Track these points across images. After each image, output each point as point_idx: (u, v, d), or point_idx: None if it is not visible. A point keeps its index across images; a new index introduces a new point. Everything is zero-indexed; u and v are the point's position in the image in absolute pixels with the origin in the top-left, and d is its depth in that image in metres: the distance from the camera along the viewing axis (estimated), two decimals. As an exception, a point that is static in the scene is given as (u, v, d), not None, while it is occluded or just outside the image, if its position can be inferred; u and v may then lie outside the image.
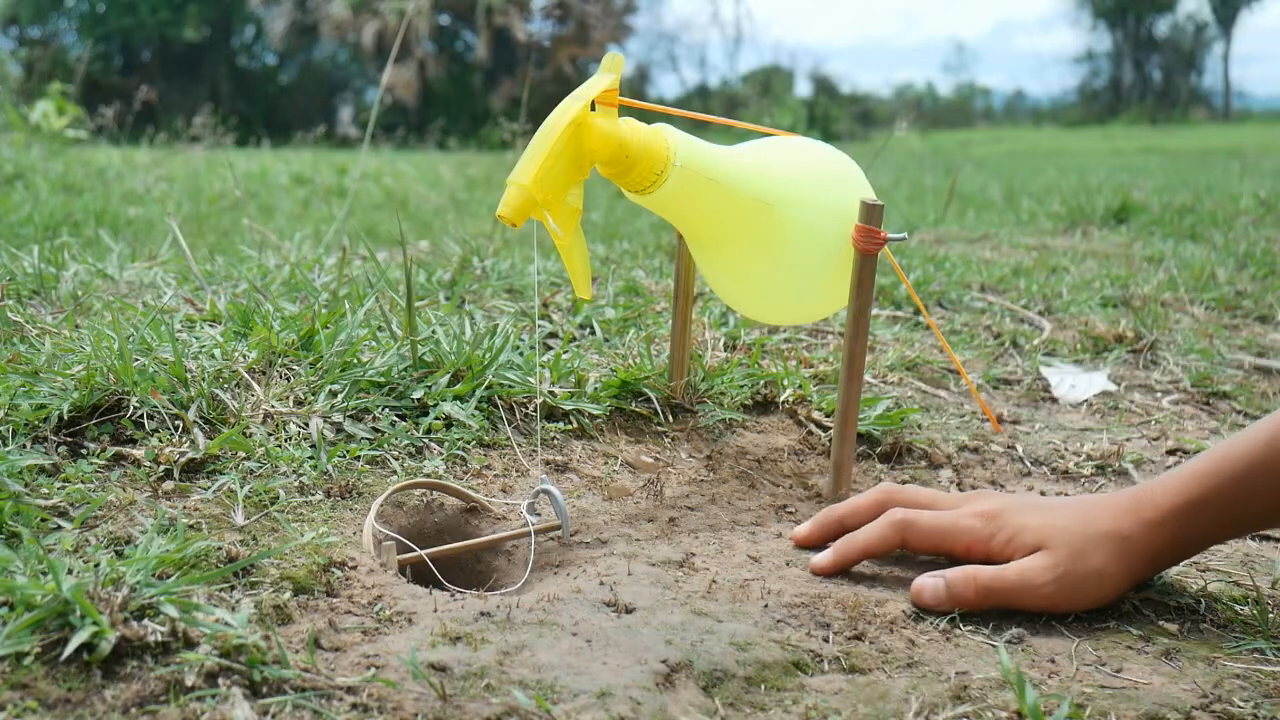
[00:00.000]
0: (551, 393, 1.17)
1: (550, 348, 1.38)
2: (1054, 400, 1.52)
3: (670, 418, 1.22)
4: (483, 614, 0.78)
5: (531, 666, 0.71)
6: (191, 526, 0.86)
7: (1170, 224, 3.44)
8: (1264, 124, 26.32)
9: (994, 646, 0.80)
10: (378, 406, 1.09)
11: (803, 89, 31.93)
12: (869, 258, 1.03)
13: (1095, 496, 0.90)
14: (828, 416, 1.27)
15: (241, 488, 0.92)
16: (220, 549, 0.81)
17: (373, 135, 7.36)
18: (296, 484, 0.96)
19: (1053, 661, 0.79)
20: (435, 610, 0.79)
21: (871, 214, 1.02)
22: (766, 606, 0.84)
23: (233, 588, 0.77)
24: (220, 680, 0.65)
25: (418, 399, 1.12)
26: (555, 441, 1.13)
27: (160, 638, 0.66)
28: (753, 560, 0.94)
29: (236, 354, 1.15)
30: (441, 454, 1.06)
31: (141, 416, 1.00)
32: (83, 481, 0.89)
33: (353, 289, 1.50)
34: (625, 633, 0.77)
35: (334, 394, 1.10)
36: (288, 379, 1.13)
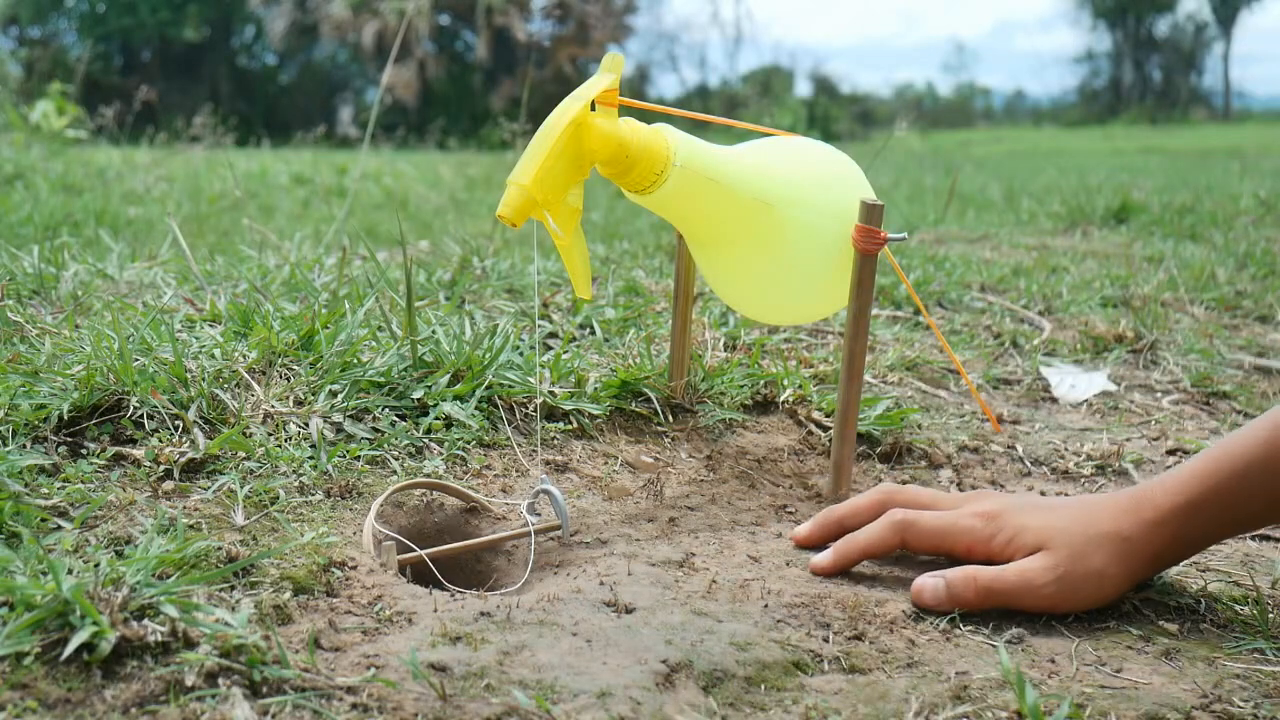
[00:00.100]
0: (551, 393, 1.17)
1: (550, 348, 1.38)
2: (1054, 400, 1.52)
3: (670, 418, 1.22)
4: (483, 614, 0.78)
5: (531, 666, 0.71)
6: (191, 526, 0.86)
7: (1170, 224, 3.44)
8: (1264, 124, 26.32)
9: (994, 646, 0.80)
10: (378, 406, 1.09)
11: (803, 89, 31.95)
12: (869, 258, 1.03)
13: (1095, 497, 0.90)
14: (828, 416, 1.27)
15: (241, 488, 0.92)
16: (220, 549, 0.81)
17: (373, 135, 7.36)
18: (296, 484, 0.96)
19: (1053, 661, 0.79)
20: (435, 610, 0.79)
21: (871, 214, 1.02)
22: (766, 606, 0.84)
23: (233, 588, 0.77)
24: (220, 680, 0.65)
25: (418, 399, 1.12)
26: (555, 441, 1.13)
27: (160, 638, 0.66)
28: (753, 560, 0.94)
29: (236, 354, 1.15)
30: (441, 454, 1.06)
31: (141, 416, 1.00)
32: (83, 481, 0.89)
33: (353, 289, 1.50)
34: (625, 633, 0.77)
35: (334, 394, 1.10)
36: (288, 379, 1.13)
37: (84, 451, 0.95)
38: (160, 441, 0.97)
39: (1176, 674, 0.78)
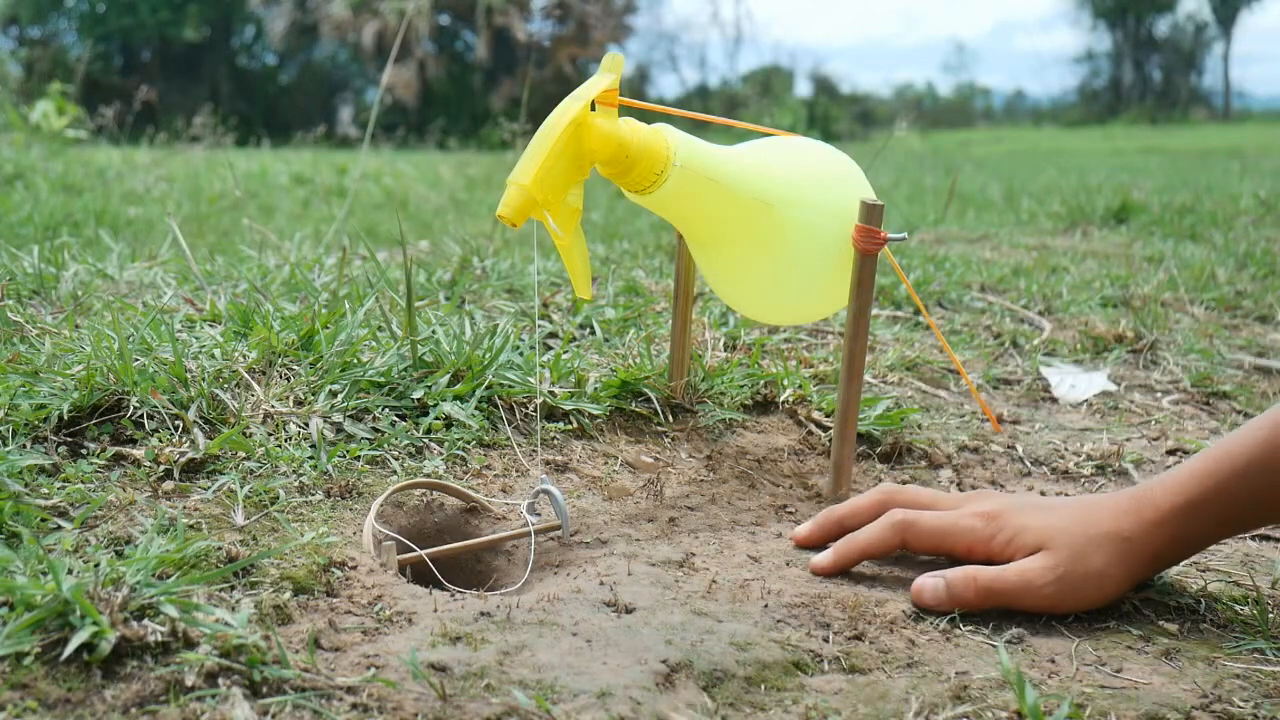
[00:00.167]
0: (551, 393, 1.17)
1: (550, 348, 1.38)
2: (1054, 400, 1.52)
3: (670, 418, 1.22)
4: (483, 614, 0.78)
5: (531, 666, 0.71)
6: (191, 526, 0.86)
7: (1170, 224, 3.44)
8: (1264, 124, 26.32)
9: (994, 646, 0.80)
10: (378, 406, 1.09)
11: (803, 89, 31.95)
12: (869, 258, 1.03)
13: (1096, 497, 0.90)
14: (828, 416, 1.27)
15: (241, 488, 0.92)
16: (220, 549, 0.81)
17: (373, 135, 7.36)
18: (296, 484, 0.96)
19: (1053, 661, 0.79)
20: (435, 610, 0.79)
21: (871, 214, 1.02)
22: (766, 606, 0.84)
23: (233, 588, 0.77)
24: (220, 680, 0.65)
25: (418, 399, 1.12)
26: (555, 441, 1.13)
27: (160, 638, 0.66)
28: (753, 560, 0.94)
29: (236, 354, 1.15)
30: (441, 454, 1.06)
31: (141, 416, 1.00)
32: (83, 481, 0.89)
33: (353, 289, 1.50)
34: (625, 633, 0.77)
35: (334, 394, 1.10)
36: (288, 379, 1.13)
37: (84, 451, 0.95)
38: (160, 441, 0.97)
39: (1176, 674, 0.78)
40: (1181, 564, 0.96)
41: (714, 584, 0.88)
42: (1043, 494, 1.16)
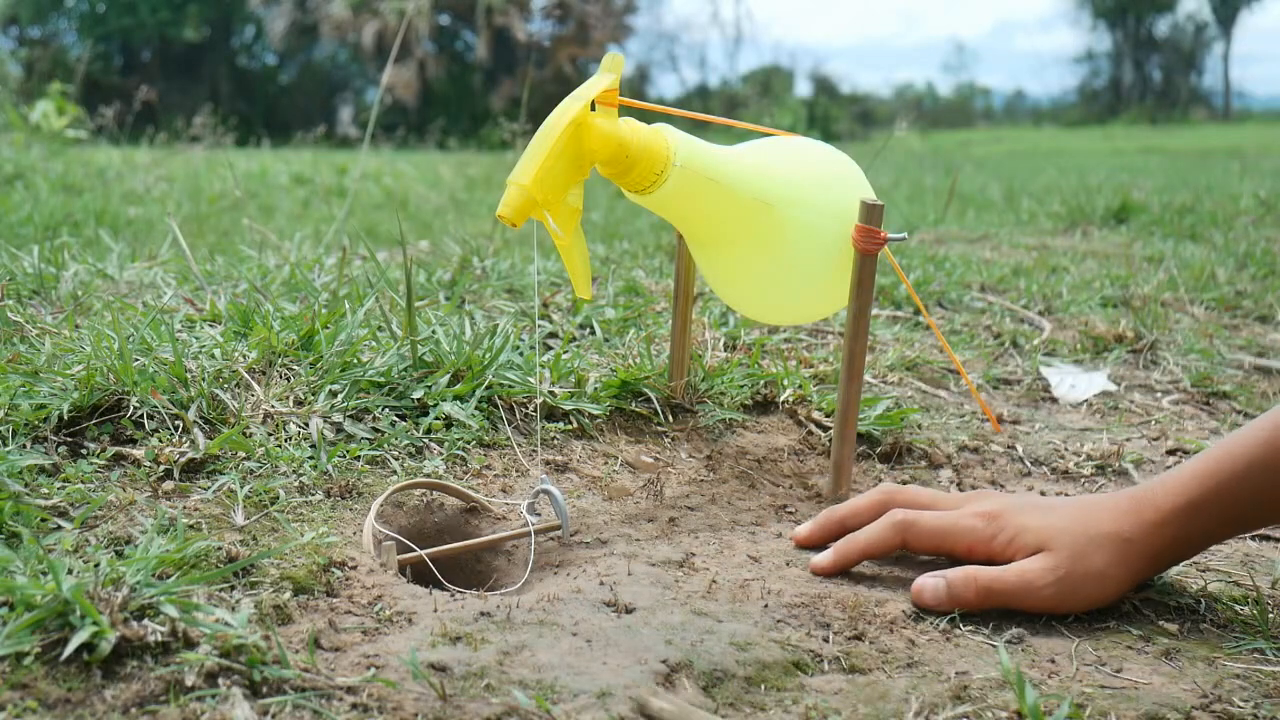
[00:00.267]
0: (551, 393, 1.17)
1: (550, 348, 1.38)
2: (1054, 400, 1.52)
3: (670, 418, 1.22)
4: (483, 614, 0.78)
5: (531, 666, 0.71)
6: (191, 526, 0.86)
7: (1170, 224, 3.44)
8: (1264, 124, 26.32)
9: (994, 646, 0.80)
10: (378, 406, 1.09)
11: (803, 89, 31.95)
12: (869, 258, 1.03)
13: (1096, 497, 0.90)
14: (828, 416, 1.27)
15: (241, 488, 0.92)
16: (220, 549, 0.81)
17: (373, 135, 7.36)
18: (296, 484, 0.96)
19: (1053, 661, 0.79)
20: (435, 610, 0.79)
21: (871, 214, 1.02)
22: (766, 606, 0.84)
23: (233, 588, 0.77)
24: (220, 680, 0.65)
25: (418, 399, 1.12)
26: (555, 441, 1.13)
27: (160, 638, 0.66)
28: (753, 560, 0.94)
29: (236, 354, 1.15)
30: (441, 454, 1.06)
31: (141, 416, 1.00)
32: (83, 481, 0.89)
33: (353, 289, 1.50)
34: (625, 633, 0.77)
35: (334, 394, 1.10)
36: (288, 379, 1.13)
37: (84, 451, 0.95)
38: (160, 441, 0.97)
39: (1176, 674, 0.78)
40: (1181, 564, 0.96)
41: (714, 584, 0.88)
42: (1043, 494, 1.16)
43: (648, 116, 1.02)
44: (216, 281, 1.66)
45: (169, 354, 1.10)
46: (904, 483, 1.16)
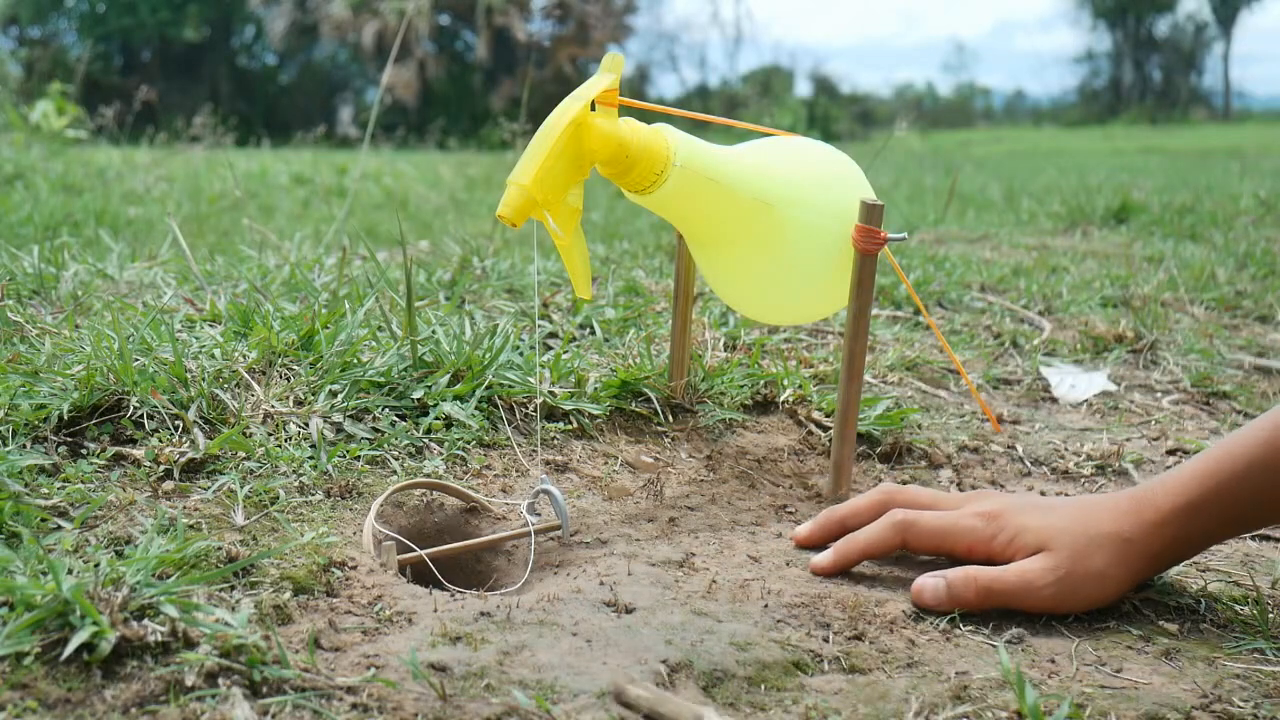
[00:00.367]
0: (551, 393, 1.17)
1: (550, 348, 1.38)
2: (1054, 400, 1.52)
3: (670, 418, 1.22)
4: (483, 614, 0.78)
5: (531, 666, 0.71)
6: (191, 526, 0.86)
7: (1170, 224, 3.44)
8: (1264, 124, 26.32)
9: (994, 646, 0.80)
10: (378, 406, 1.09)
11: (803, 89, 31.95)
12: (869, 258, 1.03)
13: (1096, 497, 0.90)
14: (828, 416, 1.27)
15: (241, 488, 0.92)
16: (220, 549, 0.81)
17: (373, 135, 7.36)
18: (296, 484, 0.96)
19: (1053, 661, 0.79)
20: (435, 610, 0.79)
21: (871, 214, 1.02)
22: (766, 606, 0.84)
23: (233, 588, 0.77)
24: (220, 680, 0.65)
25: (418, 399, 1.12)
26: (555, 441, 1.13)
27: (160, 638, 0.66)
28: (753, 560, 0.94)
29: (236, 354, 1.15)
30: (441, 454, 1.06)
31: (141, 416, 1.00)
32: (83, 481, 0.89)
33: (353, 289, 1.50)
34: (625, 633, 0.77)
35: (334, 394, 1.10)
36: (288, 379, 1.13)
37: (84, 451, 0.95)
38: (160, 441, 0.97)
39: (1176, 674, 0.78)
40: (1181, 564, 0.96)
41: (714, 584, 0.88)
42: (1043, 494, 1.16)
43: (648, 116, 1.02)
44: (216, 281, 1.66)
45: (169, 354, 1.10)
46: (904, 483, 1.16)
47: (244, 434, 1.01)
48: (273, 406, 1.06)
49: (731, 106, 24.00)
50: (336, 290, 1.49)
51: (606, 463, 1.12)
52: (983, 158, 12.32)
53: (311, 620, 0.76)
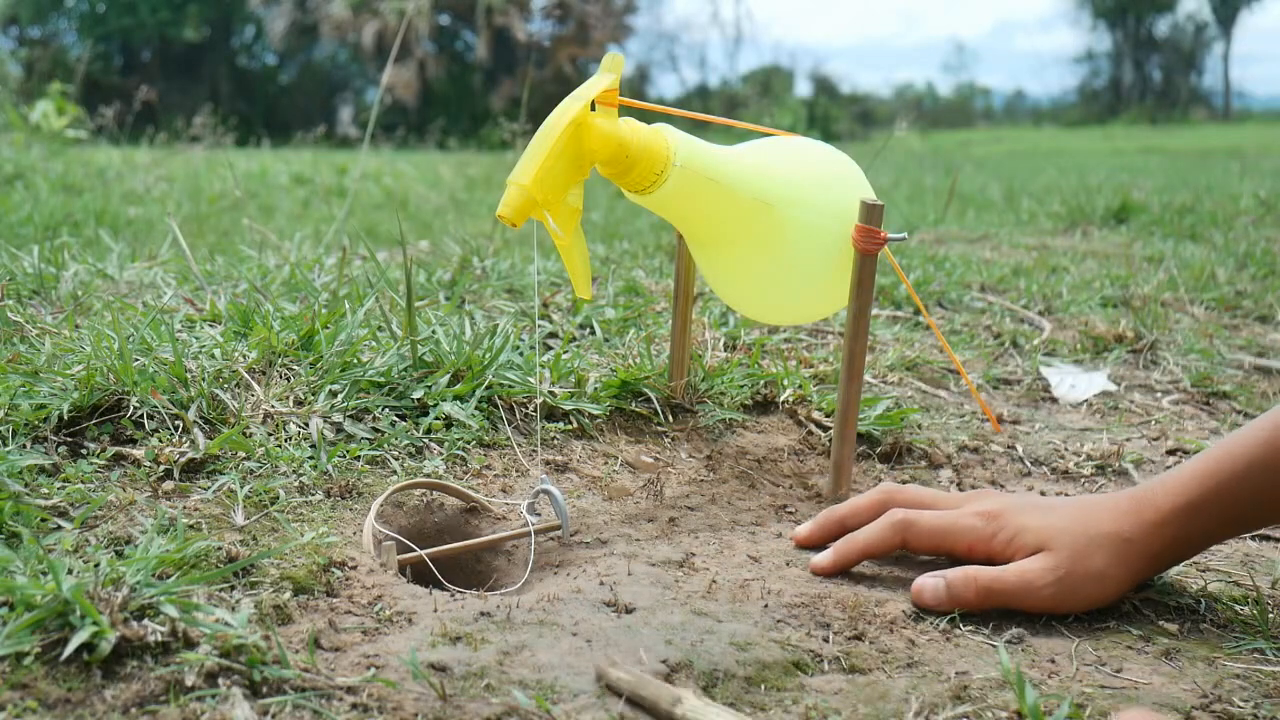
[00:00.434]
0: (551, 393, 1.17)
1: (550, 348, 1.38)
2: (1054, 400, 1.52)
3: (670, 418, 1.22)
4: (483, 614, 0.78)
5: (531, 666, 0.71)
6: (191, 526, 0.86)
7: (1170, 224, 3.44)
8: (1264, 124, 26.32)
9: (994, 646, 0.80)
10: (378, 406, 1.09)
11: (803, 89, 31.97)
12: (869, 258, 1.03)
13: (1096, 497, 0.90)
14: (828, 416, 1.27)
15: (241, 488, 0.92)
16: (220, 549, 0.81)
17: (373, 135, 7.36)
18: (296, 484, 0.96)
19: (1053, 661, 0.79)
20: (435, 610, 0.79)
21: (871, 214, 1.02)
22: (766, 606, 0.84)
23: (233, 588, 0.77)
24: (220, 680, 0.65)
25: (418, 399, 1.12)
26: (555, 441, 1.13)
27: (160, 638, 0.66)
28: (753, 560, 0.94)
29: (236, 354, 1.15)
30: (441, 454, 1.06)
31: (141, 416, 1.00)
32: (83, 481, 0.89)
33: (353, 289, 1.50)
34: (625, 633, 0.77)
35: (334, 394, 1.10)
36: (288, 379, 1.13)
37: (84, 451, 0.95)
38: (160, 441, 0.97)
39: (1176, 674, 0.78)
40: (1181, 564, 0.96)
41: (714, 584, 0.88)
42: (1043, 494, 1.16)
43: (648, 116, 1.02)
44: (216, 281, 1.66)
45: (169, 354, 1.10)
46: (904, 483, 1.16)
47: (244, 434, 1.01)
48: (273, 406, 1.06)
49: (731, 106, 24.01)
50: (336, 290, 1.49)
51: (606, 463, 1.12)
52: (983, 158, 12.32)
53: (311, 620, 0.76)
